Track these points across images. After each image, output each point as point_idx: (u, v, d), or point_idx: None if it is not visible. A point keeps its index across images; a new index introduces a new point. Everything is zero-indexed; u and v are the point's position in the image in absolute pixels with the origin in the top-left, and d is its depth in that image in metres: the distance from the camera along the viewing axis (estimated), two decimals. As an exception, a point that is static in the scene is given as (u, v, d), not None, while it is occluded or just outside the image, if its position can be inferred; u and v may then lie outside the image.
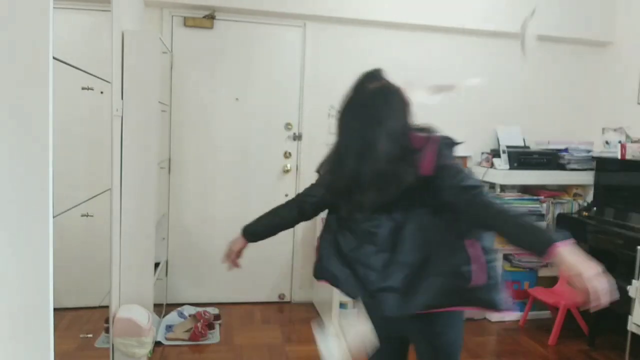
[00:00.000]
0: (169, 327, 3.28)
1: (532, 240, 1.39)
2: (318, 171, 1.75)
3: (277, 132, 3.81)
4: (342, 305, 3.41)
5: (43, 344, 1.21)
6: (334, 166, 1.64)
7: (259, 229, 1.82)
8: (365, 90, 1.61)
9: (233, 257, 1.84)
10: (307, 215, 1.80)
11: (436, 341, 1.66)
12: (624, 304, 2.91)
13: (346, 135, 1.62)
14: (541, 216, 3.65)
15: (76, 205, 1.99)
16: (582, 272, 1.28)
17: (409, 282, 1.51)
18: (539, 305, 3.68)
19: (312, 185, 1.80)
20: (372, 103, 1.58)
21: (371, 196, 1.53)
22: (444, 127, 1.61)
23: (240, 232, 1.83)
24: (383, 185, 1.52)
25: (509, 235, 1.44)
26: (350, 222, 1.62)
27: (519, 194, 3.76)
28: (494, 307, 1.52)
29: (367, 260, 1.57)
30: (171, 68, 3.60)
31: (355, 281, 1.59)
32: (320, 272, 1.71)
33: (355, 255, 1.60)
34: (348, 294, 1.64)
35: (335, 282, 1.66)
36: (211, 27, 3.63)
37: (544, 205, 3.72)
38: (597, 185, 3.74)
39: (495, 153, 3.77)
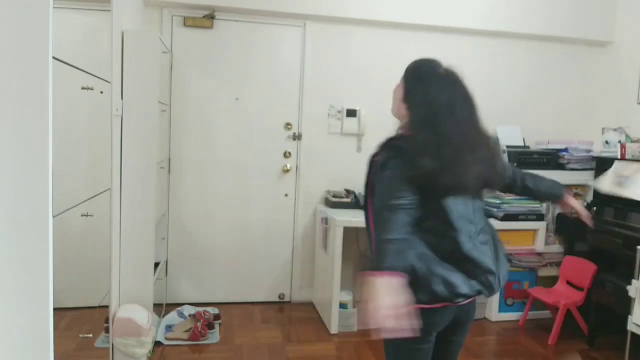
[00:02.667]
0: (169, 327, 3.28)
1: (558, 190, 1.97)
2: (402, 168, 1.50)
3: (277, 132, 3.81)
4: (342, 306, 3.41)
5: (43, 344, 1.21)
6: (450, 157, 1.48)
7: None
8: (442, 75, 1.56)
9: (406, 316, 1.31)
10: None
11: (469, 328, 1.73)
12: (624, 304, 2.91)
13: (453, 123, 1.51)
14: (541, 216, 3.65)
15: (76, 205, 1.99)
16: (578, 204, 1.93)
17: (495, 261, 1.62)
18: (539, 305, 3.68)
19: (398, 186, 1.47)
20: (463, 88, 1.57)
21: (481, 183, 1.59)
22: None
23: (392, 273, 1.35)
24: (494, 171, 1.61)
25: (543, 192, 1.92)
26: (455, 219, 1.54)
27: (519, 194, 3.76)
28: None
29: (483, 251, 1.58)
30: (171, 68, 3.60)
31: (470, 278, 1.55)
32: (450, 293, 1.52)
33: (472, 251, 1.55)
34: (465, 294, 1.53)
35: (451, 294, 1.52)
36: (211, 27, 3.63)
37: (544, 205, 3.71)
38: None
39: (495, 153, 3.77)
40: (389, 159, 1.53)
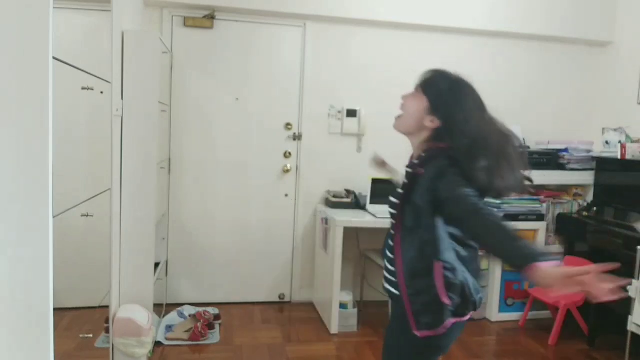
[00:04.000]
0: (169, 327, 3.28)
1: None
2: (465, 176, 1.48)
3: (277, 132, 3.81)
4: (342, 306, 3.41)
5: (43, 344, 1.21)
6: (496, 158, 1.49)
7: None
8: (461, 82, 1.58)
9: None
10: None
11: None
12: (624, 304, 2.91)
13: (486, 126, 1.54)
14: (541, 216, 3.65)
15: (76, 205, 1.99)
16: None
17: None
18: (539, 305, 3.68)
19: (469, 190, 1.46)
20: (477, 91, 1.60)
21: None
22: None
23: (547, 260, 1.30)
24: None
25: None
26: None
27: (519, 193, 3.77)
28: None
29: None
30: (171, 68, 3.60)
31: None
32: (479, 301, 1.58)
33: (474, 263, 1.60)
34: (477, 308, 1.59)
35: (479, 302, 1.59)
36: (211, 27, 3.63)
37: (544, 205, 3.72)
38: (597, 185, 3.74)
39: (495, 153, 3.76)
40: (443, 168, 1.48)
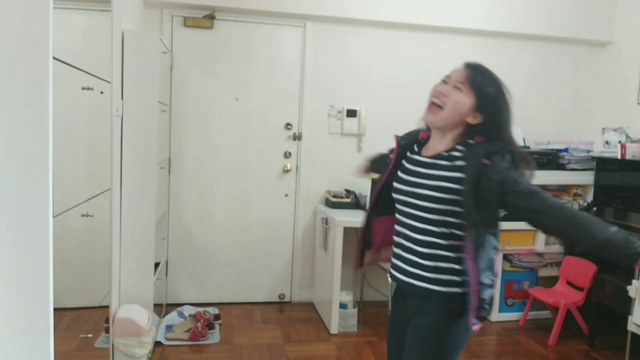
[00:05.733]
0: (169, 327, 3.28)
1: None
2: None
3: (277, 132, 3.81)
4: (342, 306, 3.41)
5: (43, 344, 1.21)
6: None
7: None
8: (501, 80, 1.57)
9: None
10: None
11: None
12: (624, 304, 2.91)
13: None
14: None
15: (76, 205, 1.99)
16: None
17: None
18: (539, 305, 3.68)
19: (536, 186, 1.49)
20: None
21: None
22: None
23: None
24: None
25: None
26: None
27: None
28: None
29: None
30: (171, 68, 3.60)
31: None
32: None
33: None
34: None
35: None
36: (211, 27, 3.63)
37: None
38: (597, 185, 3.74)
39: (495, 153, 3.76)
40: (509, 162, 1.48)
